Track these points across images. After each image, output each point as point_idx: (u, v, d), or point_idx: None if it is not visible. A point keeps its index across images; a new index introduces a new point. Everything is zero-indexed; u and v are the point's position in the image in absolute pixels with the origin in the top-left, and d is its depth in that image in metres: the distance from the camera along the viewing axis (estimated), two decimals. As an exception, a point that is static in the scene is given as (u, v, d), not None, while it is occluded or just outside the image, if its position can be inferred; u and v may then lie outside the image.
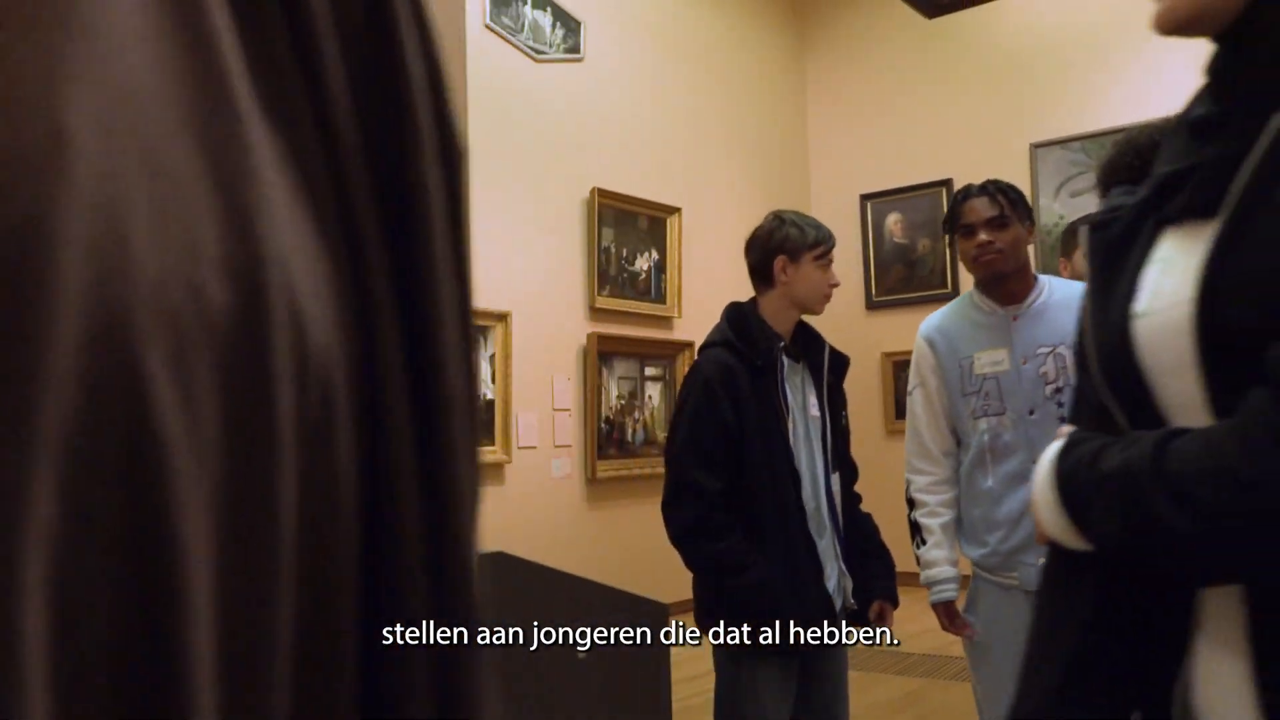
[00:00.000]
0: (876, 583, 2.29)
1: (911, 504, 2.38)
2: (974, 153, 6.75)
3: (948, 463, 2.33)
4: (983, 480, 2.23)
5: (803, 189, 7.45)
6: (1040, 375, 2.16)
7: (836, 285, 2.33)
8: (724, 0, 6.92)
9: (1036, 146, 6.49)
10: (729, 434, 2.14)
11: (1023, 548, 2.13)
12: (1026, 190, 6.35)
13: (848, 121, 7.40)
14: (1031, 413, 2.15)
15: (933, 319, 2.40)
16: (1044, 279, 2.30)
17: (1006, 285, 2.24)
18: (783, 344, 2.25)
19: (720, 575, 2.12)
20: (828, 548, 2.23)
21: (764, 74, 7.21)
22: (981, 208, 2.26)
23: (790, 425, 2.20)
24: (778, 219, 2.33)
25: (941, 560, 2.30)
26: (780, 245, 2.28)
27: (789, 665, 2.17)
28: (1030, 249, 2.57)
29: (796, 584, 2.13)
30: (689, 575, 2.30)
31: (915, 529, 2.36)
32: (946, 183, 6.82)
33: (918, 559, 2.42)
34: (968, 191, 2.33)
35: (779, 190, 7.20)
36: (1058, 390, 2.14)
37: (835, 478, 2.28)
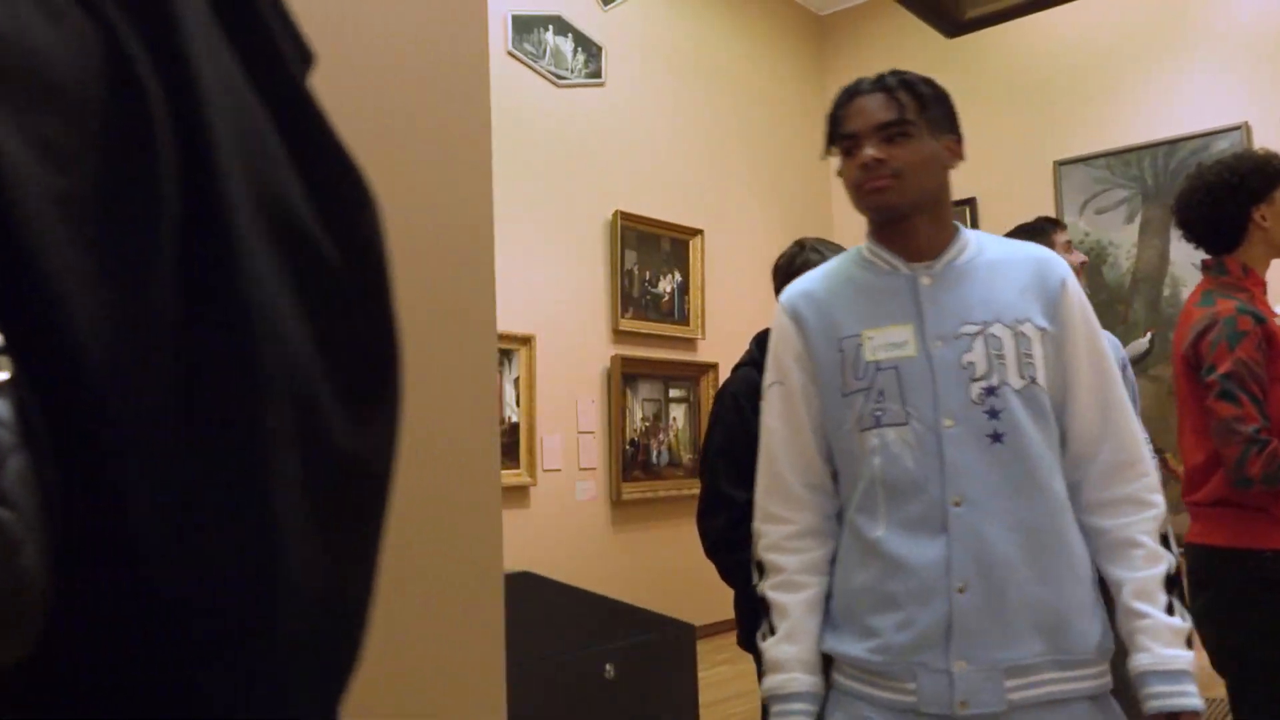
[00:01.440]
0: None
1: (760, 570, 1.58)
2: (997, 171, 6.73)
3: (817, 503, 1.54)
4: (869, 528, 1.44)
5: (824, 209, 7.45)
6: (963, 366, 1.43)
7: None
8: (744, 23, 6.96)
9: (1060, 164, 6.47)
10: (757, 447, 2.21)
11: (928, 642, 1.38)
12: (1051, 208, 6.33)
13: (869, 141, 7.41)
14: (950, 424, 1.41)
15: (799, 283, 1.63)
16: (970, 231, 1.59)
17: (911, 230, 1.51)
18: None
19: (746, 584, 2.17)
20: None
21: (785, 95, 7.24)
22: (872, 108, 1.52)
23: None
24: (799, 245, 2.40)
25: (793, 662, 1.48)
26: (800, 271, 2.32)
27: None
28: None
29: None
30: (716, 598, 2.28)
31: (762, 609, 1.55)
32: (970, 201, 6.80)
33: (758, 657, 1.71)
34: (856, 87, 1.57)
35: (801, 210, 7.20)
36: (989, 391, 1.41)
37: None
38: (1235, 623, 2.05)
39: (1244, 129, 5.80)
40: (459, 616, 1.05)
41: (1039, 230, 2.68)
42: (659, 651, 1.80)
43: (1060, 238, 2.68)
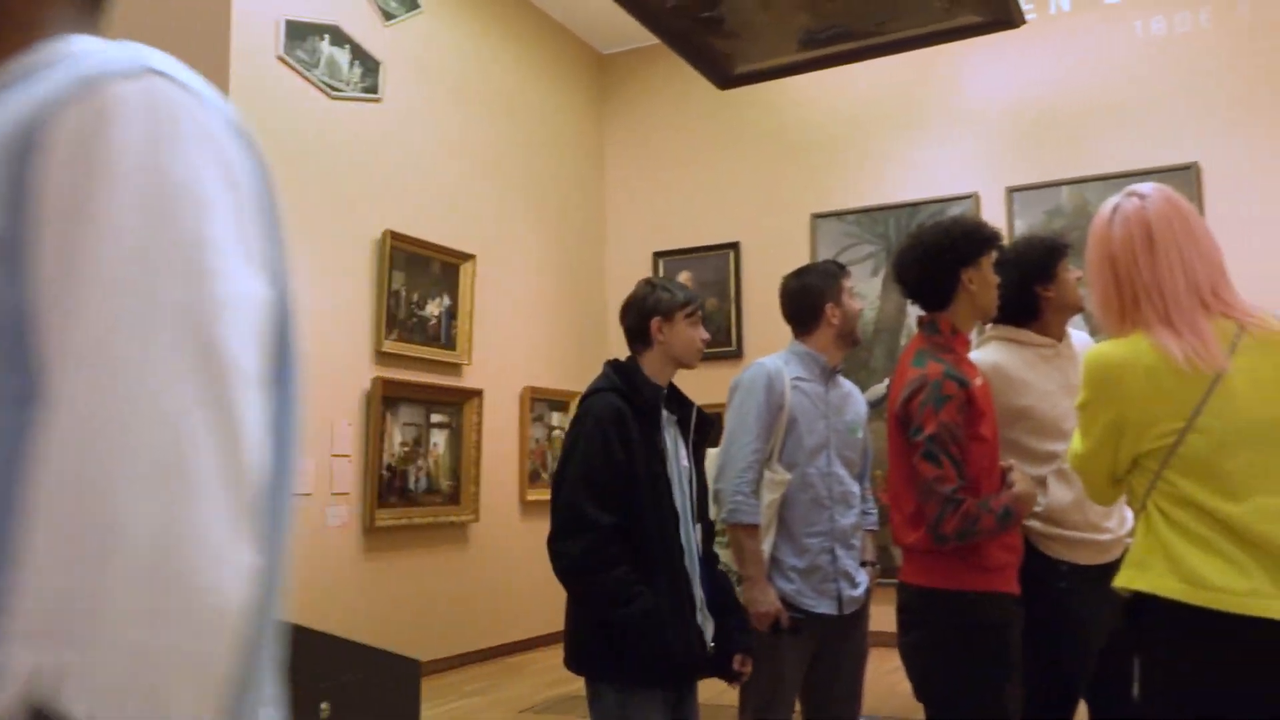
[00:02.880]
0: (737, 635, 2.43)
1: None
2: (760, 219, 7.09)
3: None
4: None
5: (598, 243, 7.58)
6: None
7: (707, 339, 2.49)
8: (527, 54, 7.01)
9: (816, 217, 6.89)
10: (620, 471, 2.26)
11: None
12: (807, 257, 6.72)
13: (644, 180, 7.62)
14: None
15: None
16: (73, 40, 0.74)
17: None
18: (664, 393, 2.42)
19: (610, 605, 2.20)
20: (697, 589, 2.37)
21: (564, 128, 7.33)
22: None
23: (672, 468, 2.36)
24: (649, 284, 2.53)
25: None
26: (655, 307, 2.45)
27: (668, 699, 2.29)
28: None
29: (680, 615, 2.26)
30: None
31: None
32: (735, 245, 7.12)
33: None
34: None
35: (575, 243, 7.29)
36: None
37: (697, 529, 2.42)
38: (939, 657, 2.22)
39: (974, 198, 6.40)
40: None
41: (832, 273, 2.82)
42: (379, 689, 1.75)
43: (847, 283, 2.84)
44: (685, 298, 2.47)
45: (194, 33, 1.18)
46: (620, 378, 2.39)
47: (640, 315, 2.46)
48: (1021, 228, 6.22)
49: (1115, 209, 1.80)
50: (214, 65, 1.23)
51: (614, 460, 2.25)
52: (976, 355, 2.50)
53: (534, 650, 6.21)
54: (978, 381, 2.29)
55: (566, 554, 2.23)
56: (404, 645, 4.96)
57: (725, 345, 6.97)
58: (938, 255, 2.34)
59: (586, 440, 2.29)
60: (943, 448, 2.15)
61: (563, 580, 2.26)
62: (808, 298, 2.82)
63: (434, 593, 5.69)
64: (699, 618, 2.33)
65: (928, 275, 2.35)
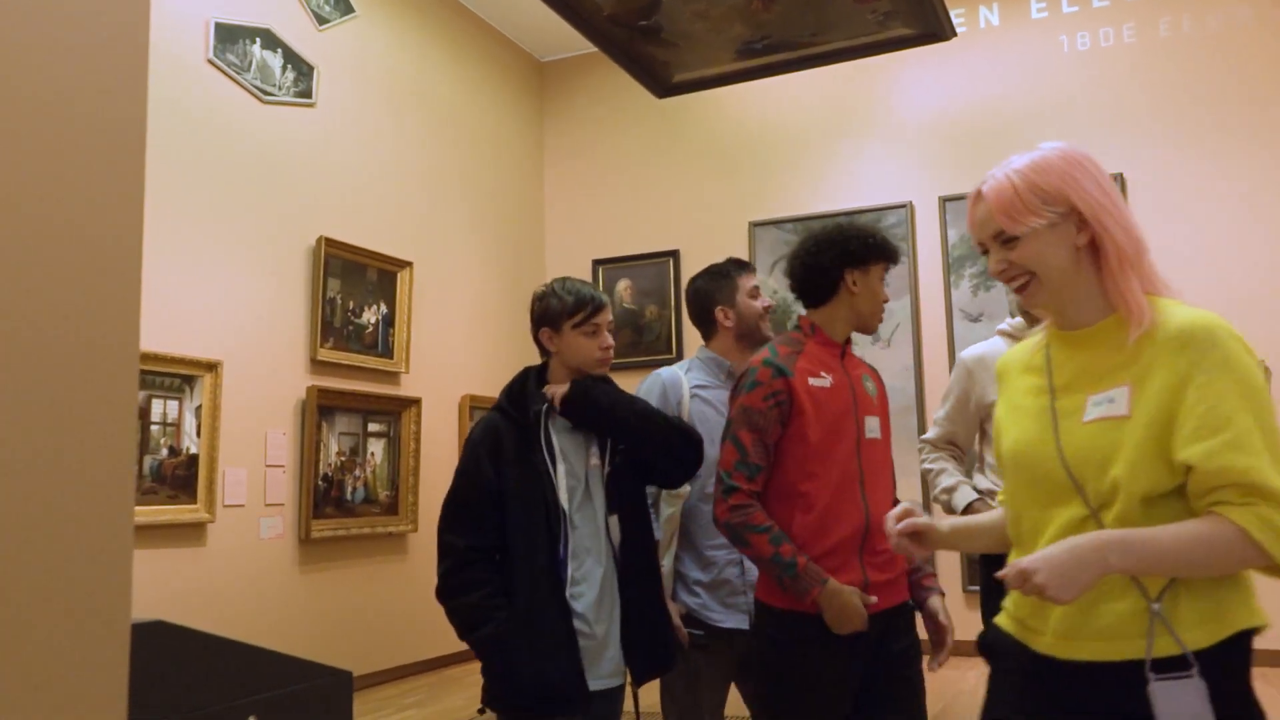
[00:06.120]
0: (639, 659, 2.29)
1: None
2: (699, 227, 7.12)
3: None
4: None
5: (538, 250, 7.56)
6: None
7: (608, 347, 2.32)
8: (464, 60, 6.96)
9: (754, 225, 6.95)
10: (489, 493, 2.20)
11: None
12: (745, 265, 6.78)
13: (583, 188, 7.62)
14: None
15: None
16: None
17: None
18: (546, 405, 2.27)
19: (465, 630, 2.16)
20: (609, 599, 2.23)
21: (502, 135, 7.30)
22: None
23: (559, 481, 2.21)
24: (548, 288, 2.35)
25: None
26: (542, 317, 2.33)
27: None
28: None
29: (542, 640, 2.12)
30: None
31: None
32: (674, 253, 7.15)
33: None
34: None
35: (514, 250, 7.25)
36: None
37: (614, 520, 2.27)
38: (767, 670, 2.17)
39: (908, 207, 6.50)
40: (72, 674, 0.94)
41: (724, 274, 2.70)
42: (310, 702, 1.72)
43: (746, 282, 2.70)
44: (575, 305, 2.26)
45: (109, 31, 1.14)
46: (507, 393, 2.33)
47: (535, 324, 2.35)
48: (954, 236, 6.34)
49: (1055, 148, 1.58)
50: (130, 65, 1.19)
51: (481, 482, 2.21)
52: (974, 347, 2.53)
53: (473, 662, 6.15)
54: (823, 382, 2.17)
55: (438, 579, 2.22)
56: (340, 658, 4.89)
57: (665, 353, 6.98)
58: (819, 252, 2.26)
59: (463, 462, 2.28)
60: (736, 428, 2.12)
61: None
62: (699, 301, 2.71)
63: (371, 605, 5.61)
64: (605, 624, 2.20)
65: (810, 270, 2.28)
